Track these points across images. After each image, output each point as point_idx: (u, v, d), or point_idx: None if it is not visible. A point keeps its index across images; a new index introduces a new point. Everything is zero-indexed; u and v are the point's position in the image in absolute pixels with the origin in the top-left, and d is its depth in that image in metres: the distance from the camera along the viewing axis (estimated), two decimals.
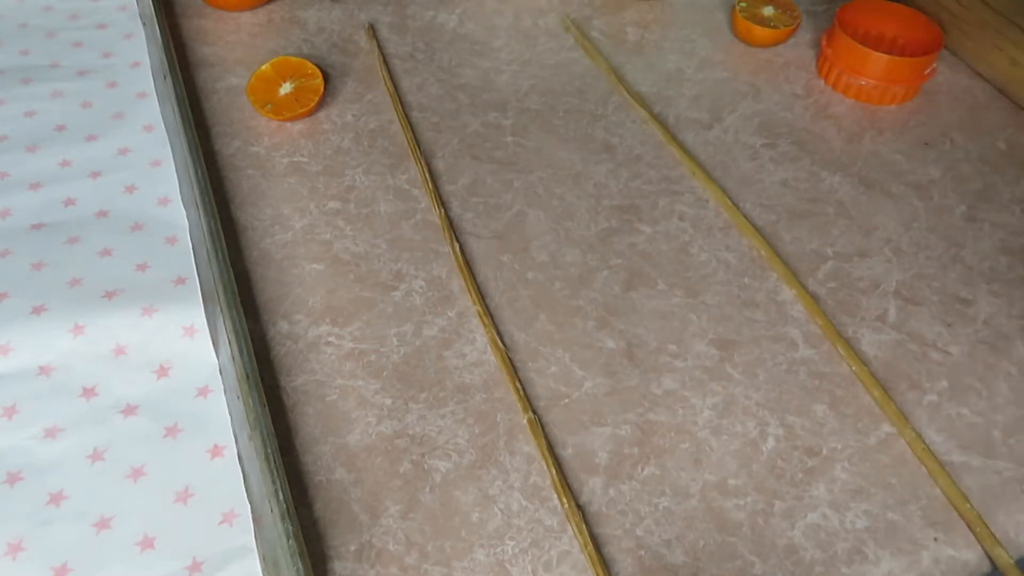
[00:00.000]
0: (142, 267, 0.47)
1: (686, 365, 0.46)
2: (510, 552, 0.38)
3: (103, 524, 0.38)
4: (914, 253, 0.53)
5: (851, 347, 0.47)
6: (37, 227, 0.49)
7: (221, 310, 0.44)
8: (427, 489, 0.40)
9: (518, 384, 0.44)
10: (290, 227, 0.52)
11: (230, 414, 0.42)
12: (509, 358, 0.45)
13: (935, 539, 0.40)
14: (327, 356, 0.45)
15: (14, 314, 0.44)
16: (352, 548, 0.38)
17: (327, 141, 0.58)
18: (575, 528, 0.39)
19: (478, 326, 0.47)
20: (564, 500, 0.40)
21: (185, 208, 0.51)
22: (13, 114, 0.56)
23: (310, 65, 0.59)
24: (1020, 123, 0.63)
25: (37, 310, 0.44)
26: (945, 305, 0.50)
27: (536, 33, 0.69)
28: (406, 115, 0.60)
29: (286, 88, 0.58)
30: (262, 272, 0.49)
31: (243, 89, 0.60)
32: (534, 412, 0.43)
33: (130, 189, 0.52)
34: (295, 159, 0.56)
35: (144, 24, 0.65)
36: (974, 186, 0.58)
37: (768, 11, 0.69)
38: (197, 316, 0.45)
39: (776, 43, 0.68)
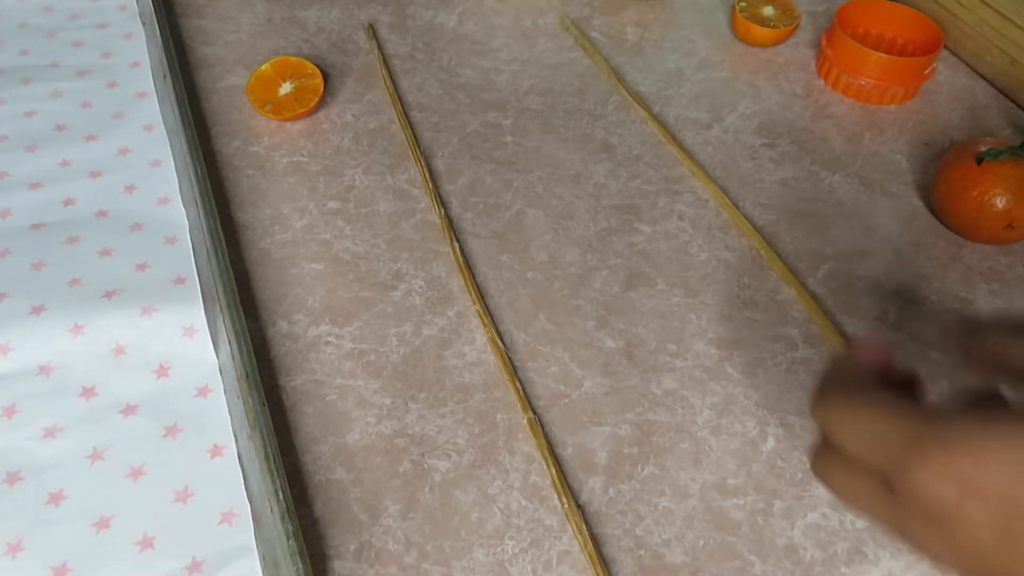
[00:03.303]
0: (142, 267, 0.47)
1: (686, 365, 0.46)
2: (510, 552, 0.38)
3: (103, 524, 0.38)
4: (914, 253, 0.53)
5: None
6: (37, 227, 0.49)
7: (221, 310, 0.44)
8: (427, 489, 0.40)
9: (518, 384, 0.44)
10: (290, 227, 0.52)
11: (230, 414, 0.42)
12: (509, 358, 0.45)
13: None
14: (327, 356, 0.45)
15: (14, 314, 0.44)
16: (352, 548, 0.38)
17: (327, 141, 0.58)
18: (575, 528, 0.39)
19: (478, 326, 0.47)
20: (564, 500, 0.40)
21: (185, 208, 0.51)
22: (13, 114, 0.56)
23: (310, 65, 0.59)
24: (1020, 123, 0.63)
25: (37, 310, 0.44)
26: (945, 305, 0.50)
27: (536, 33, 0.69)
28: (406, 115, 0.60)
29: (286, 88, 0.58)
30: (262, 272, 0.49)
31: (243, 89, 0.60)
32: (534, 412, 0.43)
33: (130, 189, 0.52)
34: (295, 159, 0.56)
35: (144, 24, 0.65)
36: None
37: (768, 11, 0.69)
38: (197, 316, 0.45)
39: (776, 43, 0.68)
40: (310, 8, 0.69)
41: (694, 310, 0.49)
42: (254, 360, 0.42)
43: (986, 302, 0.50)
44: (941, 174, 0.53)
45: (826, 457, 0.26)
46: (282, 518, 0.36)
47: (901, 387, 0.27)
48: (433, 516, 0.39)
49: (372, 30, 0.67)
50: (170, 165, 0.54)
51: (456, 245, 0.51)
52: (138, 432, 0.41)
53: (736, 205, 0.55)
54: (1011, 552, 0.21)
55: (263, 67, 0.59)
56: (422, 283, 0.49)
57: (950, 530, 0.22)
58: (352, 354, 0.45)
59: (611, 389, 0.45)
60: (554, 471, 0.41)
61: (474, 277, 0.50)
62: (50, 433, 0.40)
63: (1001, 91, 0.66)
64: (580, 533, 0.38)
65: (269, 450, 0.38)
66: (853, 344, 0.29)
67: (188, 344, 0.44)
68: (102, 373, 0.43)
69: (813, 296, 0.50)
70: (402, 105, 0.61)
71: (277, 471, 0.38)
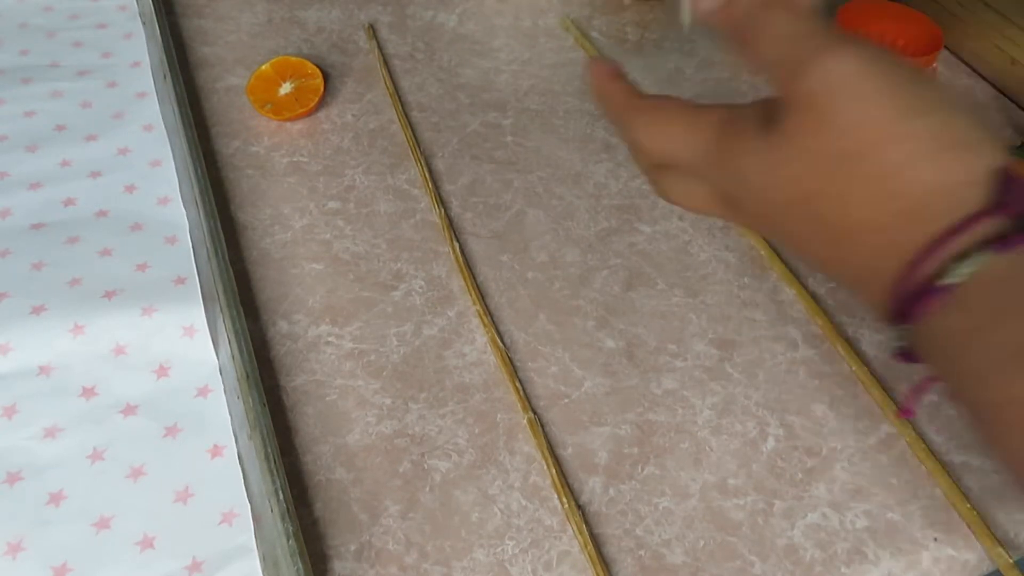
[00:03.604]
0: (142, 267, 0.47)
1: (686, 365, 0.46)
2: (510, 552, 0.38)
3: (103, 524, 0.38)
4: None
5: (851, 347, 0.47)
6: (37, 227, 0.49)
7: (221, 310, 0.44)
8: (427, 489, 0.40)
9: (518, 384, 0.44)
10: (290, 227, 0.52)
11: (230, 414, 0.42)
12: (509, 358, 0.45)
13: (935, 539, 0.40)
14: (327, 356, 0.45)
15: (14, 314, 0.44)
16: (352, 548, 0.38)
17: (327, 141, 0.58)
18: (575, 528, 0.39)
19: (478, 326, 0.47)
20: (564, 500, 0.40)
21: (185, 208, 0.51)
22: (13, 114, 0.56)
23: (310, 65, 0.59)
24: (1020, 123, 0.63)
25: (37, 310, 0.44)
26: None
27: (536, 33, 0.69)
28: (406, 115, 0.60)
29: (286, 88, 0.58)
30: (262, 272, 0.49)
31: (243, 89, 0.60)
32: (534, 412, 0.43)
33: (130, 189, 0.52)
34: (295, 159, 0.56)
35: (144, 24, 0.65)
36: None
37: None
38: (197, 316, 0.45)
39: None
40: (310, 8, 0.69)
41: (694, 310, 0.49)
42: (254, 360, 0.42)
43: None
44: None
45: (659, 178, 0.30)
46: (282, 518, 0.36)
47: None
48: (433, 516, 0.39)
49: (372, 30, 0.67)
50: (170, 165, 0.54)
51: (456, 245, 0.51)
52: (138, 432, 0.41)
53: None
54: (734, 216, 0.28)
55: (263, 67, 0.59)
56: (422, 283, 0.49)
57: (723, 203, 0.28)
58: (352, 354, 0.45)
59: (611, 389, 0.45)
60: (554, 471, 0.41)
61: (474, 277, 0.50)
62: (50, 433, 0.40)
63: (1001, 91, 0.66)
64: (580, 533, 0.38)
65: (269, 450, 0.38)
66: (591, 70, 0.32)
67: (188, 344, 0.44)
68: (102, 373, 0.43)
69: (813, 296, 0.50)
70: (402, 105, 0.61)
71: (277, 471, 0.38)
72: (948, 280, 0.23)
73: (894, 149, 0.23)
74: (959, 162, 0.23)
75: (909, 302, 0.23)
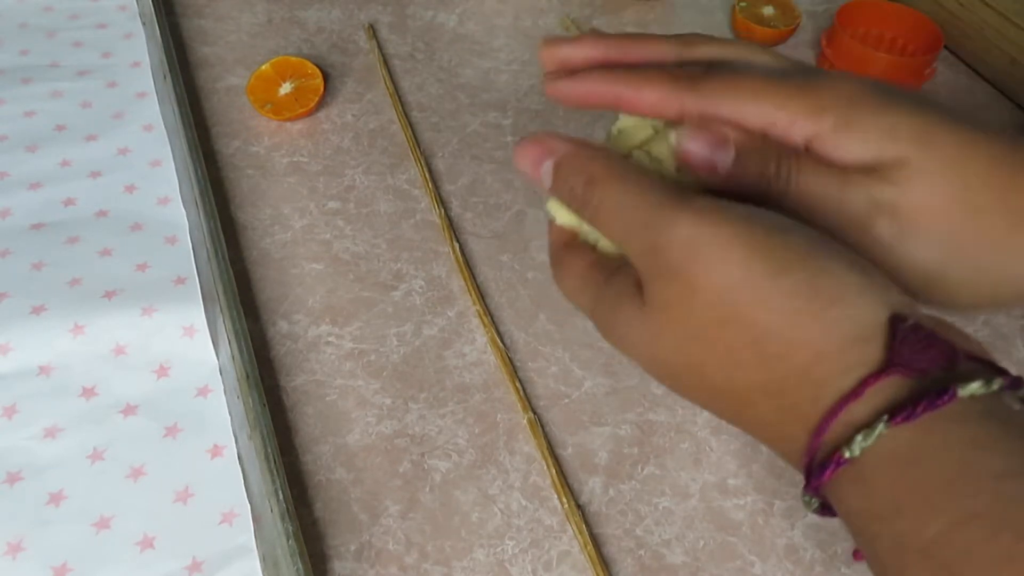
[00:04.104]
0: (142, 267, 0.47)
1: None
2: (510, 552, 0.38)
3: (103, 524, 0.38)
4: None
5: None
6: (37, 227, 0.49)
7: (221, 310, 0.44)
8: (427, 489, 0.40)
9: (518, 384, 0.44)
10: (290, 227, 0.52)
11: (230, 414, 0.42)
12: (509, 358, 0.45)
13: None
14: (327, 356, 0.45)
15: (14, 314, 0.44)
16: (352, 548, 0.38)
17: (327, 141, 0.58)
18: (575, 528, 0.39)
19: (478, 326, 0.47)
20: (564, 500, 0.40)
21: (185, 208, 0.51)
22: (13, 114, 0.56)
23: (310, 65, 0.59)
24: (1020, 123, 0.63)
25: (37, 310, 0.44)
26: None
27: (536, 33, 0.69)
28: (406, 115, 0.60)
29: (286, 88, 0.58)
30: (262, 272, 0.49)
31: (243, 89, 0.60)
32: (534, 412, 0.43)
33: (130, 189, 0.52)
34: (295, 159, 0.56)
35: (144, 24, 0.65)
36: None
37: (768, 11, 0.69)
38: (197, 316, 0.45)
39: (776, 43, 0.68)
40: (310, 8, 0.69)
41: None
42: (254, 360, 0.42)
43: None
44: None
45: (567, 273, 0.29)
46: (282, 518, 0.36)
47: None
48: (433, 516, 0.39)
49: (372, 30, 0.67)
50: (170, 165, 0.54)
51: (456, 245, 0.51)
52: (138, 432, 0.41)
53: None
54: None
55: (263, 67, 0.59)
56: (422, 283, 0.49)
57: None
58: (352, 354, 0.45)
59: (611, 389, 0.45)
60: (554, 471, 0.41)
61: (474, 277, 0.50)
62: (50, 433, 0.40)
63: (1001, 91, 0.66)
64: (580, 533, 0.38)
65: (269, 450, 0.38)
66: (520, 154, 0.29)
67: (188, 344, 0.44)
68: (102, 373, 0.43)
69: None
70: (402, 105, 0.61)
71: (277, 471, 0.38)
72: (847, 453, 0.21)
73: (768, 311, 0.22)
74: (845, 316, 0.22)
75: (817, 471, 0.22)
